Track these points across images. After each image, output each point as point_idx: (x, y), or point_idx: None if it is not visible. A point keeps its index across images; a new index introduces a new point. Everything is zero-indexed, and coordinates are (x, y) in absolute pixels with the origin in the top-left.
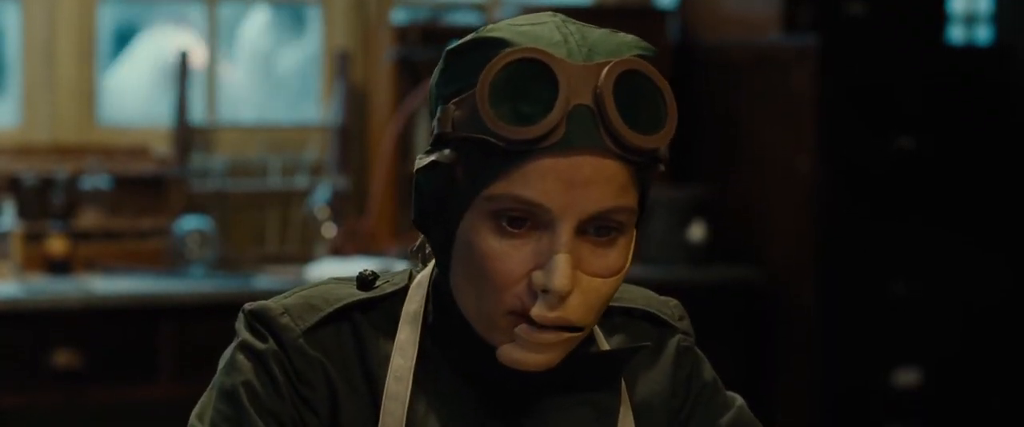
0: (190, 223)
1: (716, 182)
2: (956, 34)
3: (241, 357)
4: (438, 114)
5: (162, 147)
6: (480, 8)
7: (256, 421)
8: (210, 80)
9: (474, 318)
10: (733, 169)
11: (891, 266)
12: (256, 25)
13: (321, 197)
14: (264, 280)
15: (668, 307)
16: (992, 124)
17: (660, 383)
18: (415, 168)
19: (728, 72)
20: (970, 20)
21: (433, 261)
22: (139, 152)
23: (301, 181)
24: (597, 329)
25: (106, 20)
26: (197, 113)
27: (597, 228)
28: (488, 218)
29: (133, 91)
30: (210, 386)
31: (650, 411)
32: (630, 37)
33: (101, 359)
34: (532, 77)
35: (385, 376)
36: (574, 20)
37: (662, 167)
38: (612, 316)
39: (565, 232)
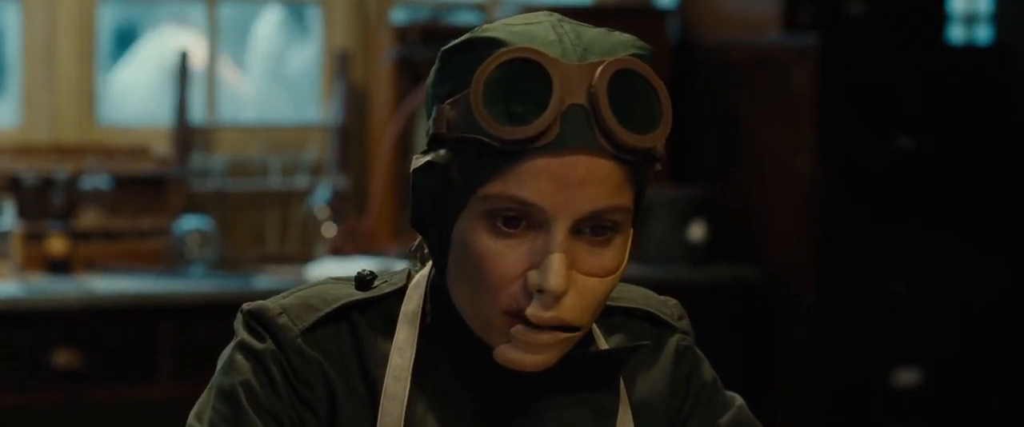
0: (190, 223)
1: (716, 182)
2: (956, 34)
3: (239, 357)
4: (433, 114)
5: (162, 147)
6: (480, 8)
7: (254, 421)
8: (210, 80)
9: (470, 318)
10: (733, 169)
11: (891, 266)
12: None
13: (321, 197)
14: (264, 280)
15: (667, 307)
16: (992, 124)
17: (659, 383)
18: (412, 168)
19: (728, 72)
20: (970, 20)
21: (431, 261)
22: (139, 152)
23: (301, 181)
24: (596, 329)
25: (106, 20)
26: (197, 113)
27: (592, 228)
28: (483, 218)
29: (133, 91)
30: (208, 386)
31: (649, 411)
32: (626, 36)
33: (101, 359)
34: (526, 77)
35: (383, 376)
36: (570, 20)
37: (659, 166)
38: (611, 316)
39: (560, 232)
